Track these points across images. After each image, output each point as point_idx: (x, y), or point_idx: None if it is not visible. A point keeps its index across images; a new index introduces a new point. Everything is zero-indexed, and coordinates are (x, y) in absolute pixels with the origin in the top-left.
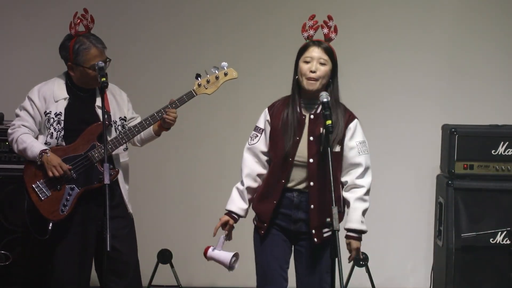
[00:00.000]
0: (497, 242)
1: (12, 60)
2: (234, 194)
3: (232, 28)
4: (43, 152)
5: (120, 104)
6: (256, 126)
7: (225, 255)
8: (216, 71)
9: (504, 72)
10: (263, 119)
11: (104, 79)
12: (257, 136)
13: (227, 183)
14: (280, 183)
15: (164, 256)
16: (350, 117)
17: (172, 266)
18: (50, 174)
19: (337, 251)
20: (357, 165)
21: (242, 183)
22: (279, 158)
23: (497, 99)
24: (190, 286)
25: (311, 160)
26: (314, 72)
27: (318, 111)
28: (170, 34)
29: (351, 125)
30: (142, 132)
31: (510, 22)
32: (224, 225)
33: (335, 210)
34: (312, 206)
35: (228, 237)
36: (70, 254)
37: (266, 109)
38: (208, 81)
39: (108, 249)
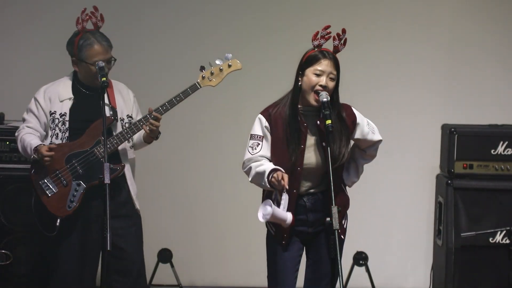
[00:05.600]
0: (497, 241)
1: (13, 60)
2: (260, 164)
3: (238, 24)
4: (35, 149)
5: (126, 102)
6: (254, 135)
7: (287, 215)
8: (220, 63)
9: (504, 71)
10: (260, 126)
11: (104, 78)
12: (259, 144)
13: (228, 183)
14: (292, 194)
15: (165, 256)
16: (351, 112)
17: (172, 266)
18: (46, 164)
19: (336, 251)
20: (377, 142)
21: (259, 159)
22: (286, 169)
23: (497, 99)
24: (190, 285)
25: (326, 167)
26: (324, 87)
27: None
28: (174, 29)
29: (358, 120)
30: (134, 137)
31: (510, 22)
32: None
33: (335, 210)
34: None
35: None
36: (73, 252)
37: (261, 116)
38: (212, 73)
39: (109, 249)
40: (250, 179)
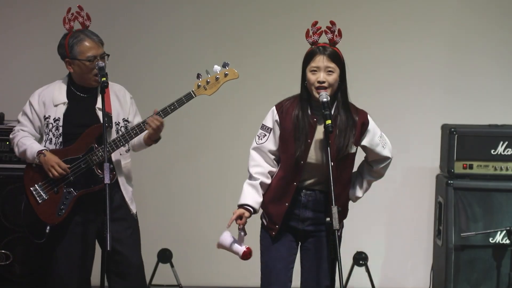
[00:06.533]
0: (497, 241)
1: (12, 60)
2: (247, 188)
3: (235, 27)
4: (40, 153)
5: (123, 105)
6: (264, 125)
7: (239, 248)
8: (217, 71)
9: (504, 72)
10: (271, 119)
11: (104, 79)
12: (266, 135)
13: (228, 183)
14: (292, 186)
15: (164, 256)
16: (365, 116)
17: (172, 266)
18: (50, 174)
19: (336, 251)
20: (385, 158)
21: (254, 178)
22: (290, 161)
23: (497, 99)
24: (190, 285)
25: (332, 164)
26: (323, 82)
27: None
28: (171, 34)
29: (370, 127)
30: (135, 139)
31: (510, 22)
32: (239, 218)
33: (335, 209)
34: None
35: (244, 231)
36: (68, 255)
37: (274, 108)
38: (208, 82)
39: (109, 249)
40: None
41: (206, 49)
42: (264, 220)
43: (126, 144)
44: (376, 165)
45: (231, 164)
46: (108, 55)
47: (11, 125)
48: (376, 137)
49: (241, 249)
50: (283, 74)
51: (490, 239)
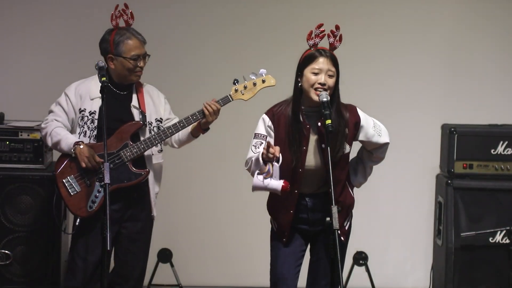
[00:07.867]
0: (497, 241)
1: (13, 60)
2: (257, 154)
3: (235, 29)
4: (76, 144)
5: (156, 105)
6: (258, 134)
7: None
8: (254, 77)
9: (503, 71)
10: (263, 126)
11: (104, 78)
12: (262, 143)
13: (228, 183)
14: (293, 194)
15: (164, 255)
16: (355, 113)
17: (172, 265)
18: (83, 164)
19: (336, 250)
20: (384, 144)
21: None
22: (288, 170)
23: (497, 99)
24: (190, 285)
25: (326, 168)
26: (323, 84)
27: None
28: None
29: (362, 122)
30: (180, 133)
31: (510, 22)
32: (267, 150)
33: (334, 209)
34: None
35: (277, 160)
36: (90, 249)
37: (265, 116)
38: (245, 87)
39: (108, 249)
40: (251, 173)
41: (209, 52)
42: (273, 226)
43: (159, 144)
44: (376, 151)
45: (233, 164)
46: (149, 56)
47: (11, 125)
48: (370, 129)
49: (279, 185)
50: (288, 69)
51: (490, 239)
